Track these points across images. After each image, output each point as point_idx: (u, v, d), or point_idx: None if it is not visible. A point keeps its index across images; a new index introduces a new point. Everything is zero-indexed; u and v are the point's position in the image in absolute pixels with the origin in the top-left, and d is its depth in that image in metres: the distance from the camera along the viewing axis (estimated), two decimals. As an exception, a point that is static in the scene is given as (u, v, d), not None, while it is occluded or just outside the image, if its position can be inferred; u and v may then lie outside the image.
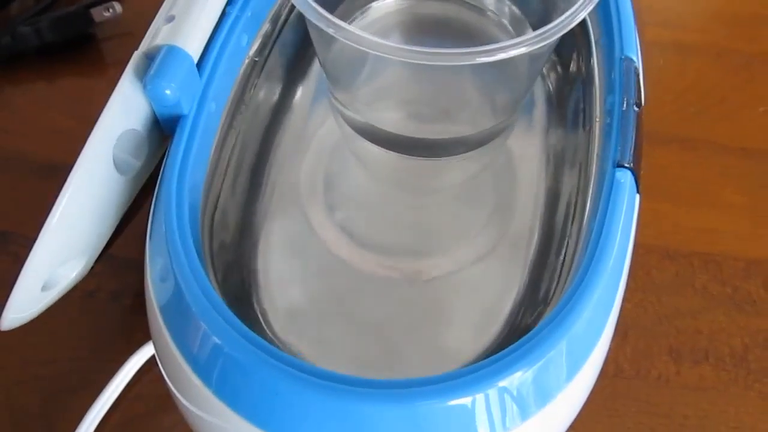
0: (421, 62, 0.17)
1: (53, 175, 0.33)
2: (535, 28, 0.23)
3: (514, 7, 0.24)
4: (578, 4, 0.18)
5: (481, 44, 0.26)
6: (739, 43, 0.39)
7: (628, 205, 0.19)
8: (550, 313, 0.17)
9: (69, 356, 0.29)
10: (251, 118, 0.24)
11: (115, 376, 0.28)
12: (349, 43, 0.17)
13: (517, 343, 0.17)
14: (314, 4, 0.18)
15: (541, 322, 0.17)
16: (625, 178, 0.19)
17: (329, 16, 0.18)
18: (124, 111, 0.20)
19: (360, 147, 0.23)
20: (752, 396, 0.29)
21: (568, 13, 0.18)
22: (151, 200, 0.22)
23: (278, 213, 0.24)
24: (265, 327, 0.22)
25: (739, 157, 0.35)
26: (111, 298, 0.30)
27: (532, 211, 0.23)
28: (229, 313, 0.18)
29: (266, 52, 0.24)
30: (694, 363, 0.29)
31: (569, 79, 0.24)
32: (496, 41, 0.25)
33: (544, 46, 0.17)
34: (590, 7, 0.18)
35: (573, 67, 0.25)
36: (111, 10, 0.36)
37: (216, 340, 0.18)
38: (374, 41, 0.17)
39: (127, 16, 0.38)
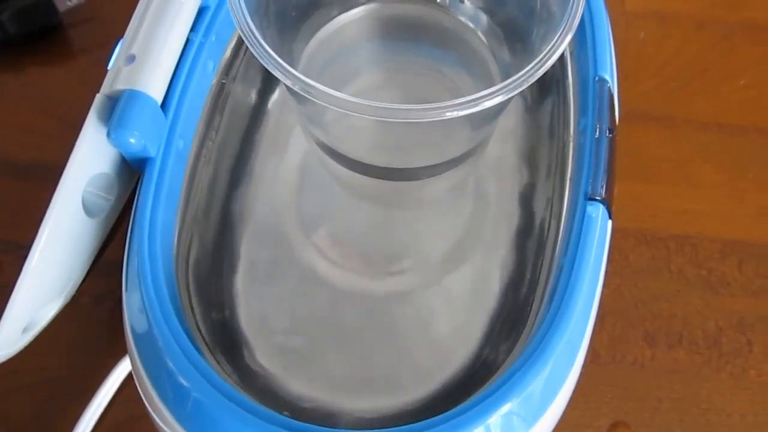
0: (385, 119, 0.16)
1: (28, 176, 0.34)
2: (508, 39, 0.23)
3: (492, 22, 0.23)
4: (553, 42, 0.17)
5: (455, 48, 0.26)
6: (721, 11, 0.38)
7: (599, 238, 0.19)
8: (522, 354, 0.18)
9: (58, 363, 0.30)
10: (221, 144, 0.23)
11: (105, 380, 0.29)
12: (311, 98, 0.17)
13: (488, 389, 0.17)
14: (273, 54, 0.17)
15: (513, 364, 0.18)
16: (596, 212, 0.19)
17: (291, 70, 0.17)
18: (91, 156, 0.20)
19: (330, 163, 0.23)
20: (723, 377, 0.30)
21: (544, 53, 0.17)
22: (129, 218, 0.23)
23: (255, 235, 0.24)
24: (246, 353, 0.22)
25: (717, 134, 0.35)
26: (95, 303, 0.31)
27: (506, 228, 0.23)
28: (199, 359, 0.18)
29: (234, 72, 0.24)
30: (669, 347, 0.30)
31: (545, 86, 0.24)
32: (471, 48, 0.25)
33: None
34: (567, 41, 0.18)
35: (548, 73, 0.24)
36: (74, -1, 0.35)
37: (184, 382, 0.18)
38: (338, 98, 0.17)
39: (93, 1, 0.36)
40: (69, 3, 0.35)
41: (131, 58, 0.20)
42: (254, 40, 0.18)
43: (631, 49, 0.37)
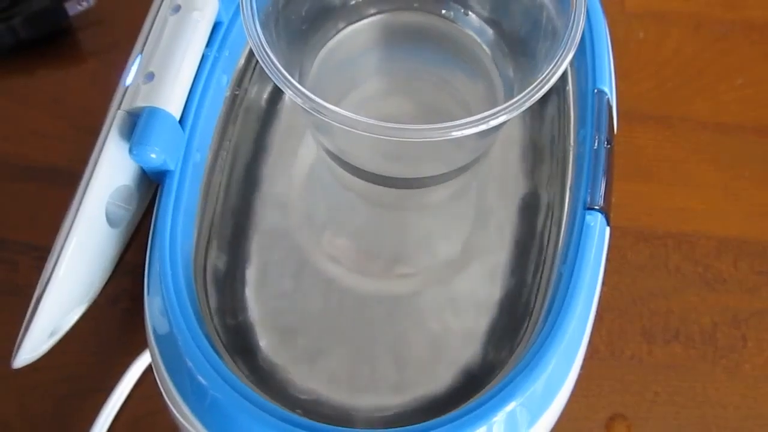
0: (392, 138, 0.17)
1: (40, 179, 0.34)
2: (512, 53, 0.24)
3: (497, 35, 0.24)
4: (556, 60, 0.18)
5: (460, 59, 0.26)
6: (719, 11, 0.39)
7: (597, 246, 0.20)
8: (524, 356, 0.19)
9: (75, 361, 0.31)
10: (234, 153, 0.24)
11: (121, 378, 0.30)
12: (322, 118, 0.18)
13: (489, 392, 0.18)
14: (286, 74, 0.18)
15: (516, 365, 0.19)
16: (595, 221, 0.20)
17: (303, 90, 0.18)
18: (113, 170, 0.21)
19: (337, 170, 0.24)
20: (718, 372, 0.31)
21: (547, 71, 0.18)
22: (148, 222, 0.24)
23: (267, 241, 0.25)
24: (261, 354, 0.23)
25: (715, 133, 0.36)
26: (109, 303, 0.32)
27: (508, 232, 0.24)
28: (218, 361, 0.19)
29: (246, 83, 0.25)
30: (666, 342, 0.31)
31: (546, 95, 0.25)
32: (475, 59, 0.25)
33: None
34: (568, 59, 0.18)
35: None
36: (85, 3, 0.35)
37: (202, 381, 0.19)
38: (347, 117, 0.17)
39: (101, 5, 0.37)
40: (79, 7, 0.36)
41: (150, 76, 0.21)
42: (268, 60, 0.18)
43: (630, 49, 0.38)
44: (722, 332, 0.31)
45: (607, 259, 0.23)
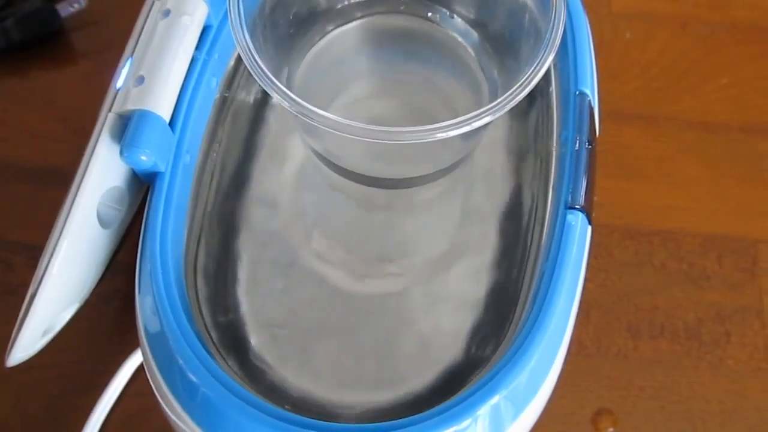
0: (378, 141, 0.18)
1: (35, 179, 0.35)
2: (497, 54, 0.24)
3: (481, 38, 0.24)
4: (537, 62, 0.18)
5: (446, 60, 0.27)
6: (705, 11, 0.39)
7: (578, 245, 0.21)
8: (508, 352, 0.20)
9: (69, 359, 0.31)
10: (224, 154, 0.25)
11: (114, 376, 0.30)
12: (309, 122, 0.18)
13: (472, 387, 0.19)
14: (274, 79, 0.19)
15: (500, 360, 0.19)
16: (576, 220, 0.21)
17: (291, 94, 0.19)
18: (105, 172, 0.21)
19: (325, 170, 0.25)
20: (703, 367, 0.31)
21: (528, 73, 0.18)
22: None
23: (256, 241, 0.25)
24: (250, 352, 0.24)
25: (700, 132, 0.36)
26: (103, 302, 0.32)
27: (493, 231, 0.24)
28: (208, 359, 0.20)
29: (235, 85, 0.25)
30: (651, 338, 0.32)
31: (531, 95, 0.25)
32: (461, 61, 0.26)
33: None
34: (549, 61, 0.19)
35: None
36: (76, 4, 0.36)
37: (193, 378, 0.20)
38: (333, 120, 0.18)
39: (93, 6, 0.37)
40: (71, 8, 0.36)
41: (141, 80, 0.21)
42: (256, 66, 0.19)
43: (617, 49, 0.38)
44: (707, 328, 0.32)
45: (590, 257, 0.23)
